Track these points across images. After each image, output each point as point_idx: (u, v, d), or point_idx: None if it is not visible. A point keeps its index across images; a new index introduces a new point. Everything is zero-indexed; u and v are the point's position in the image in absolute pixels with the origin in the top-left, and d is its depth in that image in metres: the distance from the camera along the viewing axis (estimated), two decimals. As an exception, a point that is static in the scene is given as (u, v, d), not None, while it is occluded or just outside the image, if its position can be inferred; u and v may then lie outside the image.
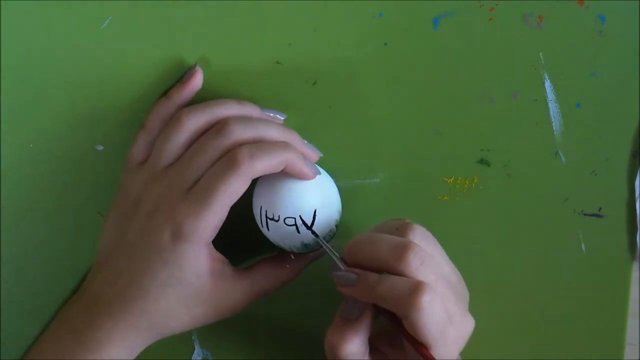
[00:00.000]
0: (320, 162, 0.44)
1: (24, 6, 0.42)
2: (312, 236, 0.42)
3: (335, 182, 0.44)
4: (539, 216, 0.49)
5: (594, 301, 0.50)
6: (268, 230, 0.42)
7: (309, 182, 0.42)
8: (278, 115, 0.44)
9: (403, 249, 0.38)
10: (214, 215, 0.39)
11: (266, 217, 0.41)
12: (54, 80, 0.43)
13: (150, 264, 0.40)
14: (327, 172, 0.44)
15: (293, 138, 0.43)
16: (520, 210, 0.48)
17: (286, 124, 0.44)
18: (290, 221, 0.41)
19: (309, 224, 0.41)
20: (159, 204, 0.40)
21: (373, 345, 0.41)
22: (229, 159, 0.39)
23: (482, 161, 0.48)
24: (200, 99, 0.44)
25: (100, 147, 0.45)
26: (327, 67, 0.45)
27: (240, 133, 0.40)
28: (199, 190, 0.39)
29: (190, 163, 0.40)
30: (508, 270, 0.49)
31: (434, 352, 0.38)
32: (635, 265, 0.49)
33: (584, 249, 0.49)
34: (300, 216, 0.41)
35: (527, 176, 0.48)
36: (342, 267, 0.40)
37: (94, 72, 0.43)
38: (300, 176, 0.41)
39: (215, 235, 0.40)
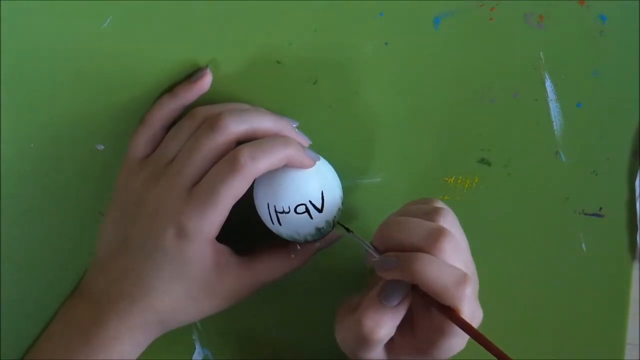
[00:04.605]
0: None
1: (24, 6, 0.42)
2: (325, 219, 0.42)
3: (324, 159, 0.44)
4: (539, 216, 0.49)
5: (594, 301, 0.50)
6: (280, 225, 0.42)
7: None
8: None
9: (437, 236, 0.37)
10: (218, 215, 0.40)
11: (275, 212, 0.41)
12: (54, 80, 0.43)
13: (155, 263, 0.40)
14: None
15: (285, 126, 0.42)
16: (521, 210, 0.48)
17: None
18: (302, 209, 0.41)
19: (320, 207, 0.41)
20: (161, 204, 0.40)
21: None
22: (231, 161, 0.39)
23: (482, 161, 0.48)
24: (200, 99, 0.44)
25: (101, 147, 0.45)
26: (328, 67, 0.45)
27: (234, 127, 0.40)
28: (202, 191, 0.39)
29: (188, 160, 0.40)
30: (508, 270, 0.49)
31: (453, 340, 0.37)
32: (635, 265, 0.49)
33: (584, 248, 0.49)
34: (310, 201, 0.41)
35: (527, 176, 0.48)
36: (376, 254, 0.39)
37: (95, 72, 0.43)
38: (302, 167, 0.41)
39: (218, 232, 0.40)
